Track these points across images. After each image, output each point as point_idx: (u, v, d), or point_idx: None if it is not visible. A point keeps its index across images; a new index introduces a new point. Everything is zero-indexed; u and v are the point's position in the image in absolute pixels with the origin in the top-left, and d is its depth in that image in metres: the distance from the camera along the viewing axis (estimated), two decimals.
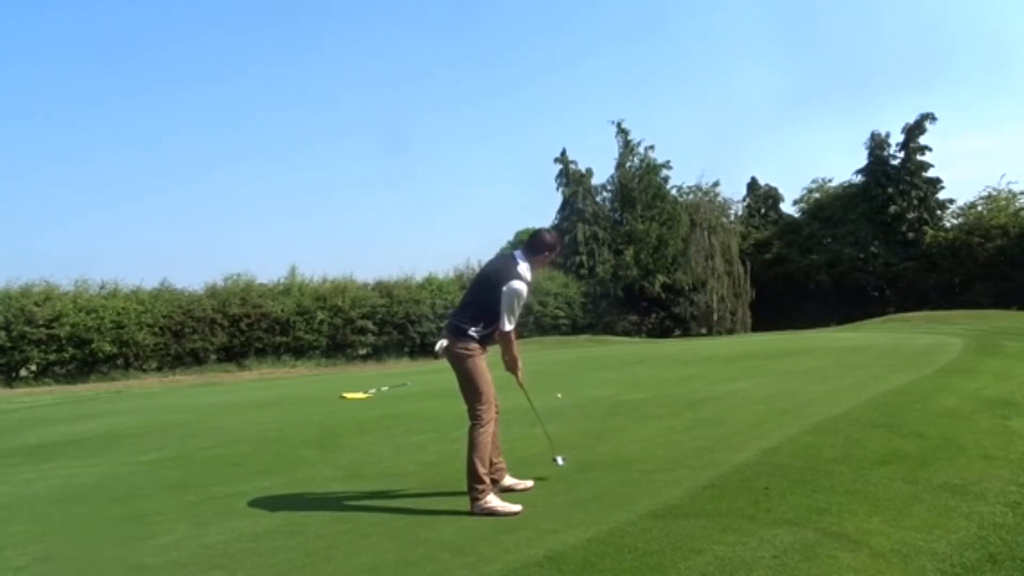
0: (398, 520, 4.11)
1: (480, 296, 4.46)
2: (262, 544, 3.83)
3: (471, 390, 4.36)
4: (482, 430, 4.30)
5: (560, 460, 4.89)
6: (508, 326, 4.37)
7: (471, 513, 4.17)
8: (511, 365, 4.65)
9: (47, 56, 63.88)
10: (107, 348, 25.37)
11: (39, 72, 63.09)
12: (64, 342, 24.72)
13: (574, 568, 3.09)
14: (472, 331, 4.36)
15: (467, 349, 4.36)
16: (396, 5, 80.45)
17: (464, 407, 4.41)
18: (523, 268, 4.44)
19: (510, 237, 47.63)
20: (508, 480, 4.65)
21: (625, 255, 40.34)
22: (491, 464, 4.41)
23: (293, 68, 74.61)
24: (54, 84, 63.77)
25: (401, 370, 22.89)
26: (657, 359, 16.22)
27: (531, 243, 4.58)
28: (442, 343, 4.46)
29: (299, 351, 29.34)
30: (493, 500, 4.20)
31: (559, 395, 9.32)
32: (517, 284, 4.32)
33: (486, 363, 4.43)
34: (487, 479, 4.28)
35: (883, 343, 15.69)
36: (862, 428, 5.75)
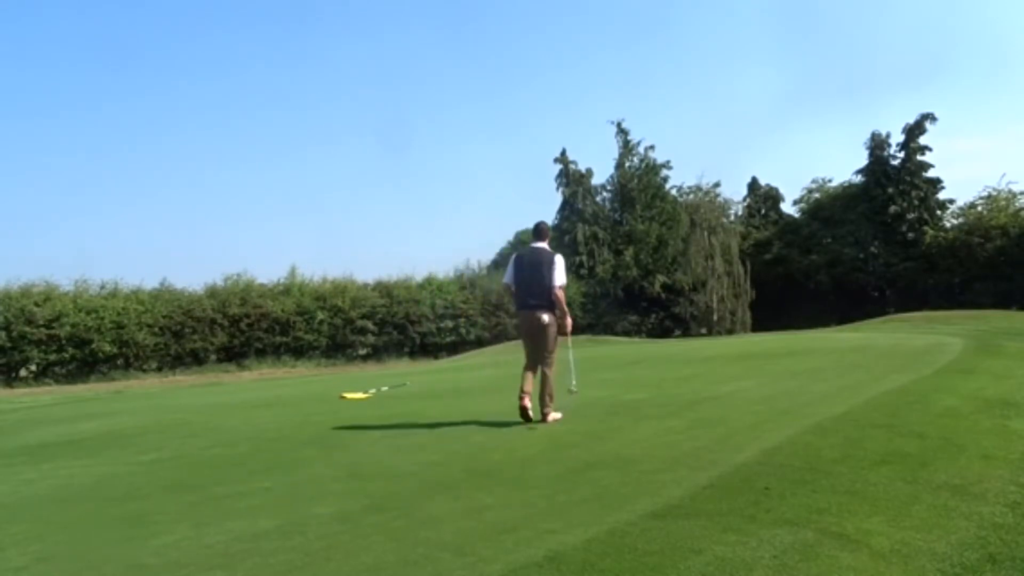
0: (398, 520, 4.10)
1: (542, 279, 6.88)
2: (262, 544, 3.83)
3: (553, 344, 6.95)
4: (554, 368, 7.01)
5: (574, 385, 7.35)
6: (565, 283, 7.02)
7: (543, 422, 6.83)
8: (564, 317, 7.02)
9: (47, 55, 63.90)
10: (107, 348, 25.39)
11: (39, 71, 63.11)
12: (64, 342, 24.75)
13: (574, 568, 3.09)
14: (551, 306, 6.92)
15: (555, 317, 6.93)
16: (396, 5, 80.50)
17: (538, 360, 6.99)
18: (547, 248, 7.22)
19: (510, 237, 47.59)
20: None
21: (625, 255, 40.33)
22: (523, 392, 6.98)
23: (293, 67, 74.64)
24: (53, 83, 63.78)
25: (401, 370, 22.90)
26: (657, 359, 16.20)
27: (539, 232, 7.27)
28: (544, 316, 6.86)
29: (299, 351, 29.35)
30: (555, 413, 6.94)
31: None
32: (559, 255, 7.04)
33: None
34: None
35: (883, 343, 15.66)
36: (862, 428, 5.74)
